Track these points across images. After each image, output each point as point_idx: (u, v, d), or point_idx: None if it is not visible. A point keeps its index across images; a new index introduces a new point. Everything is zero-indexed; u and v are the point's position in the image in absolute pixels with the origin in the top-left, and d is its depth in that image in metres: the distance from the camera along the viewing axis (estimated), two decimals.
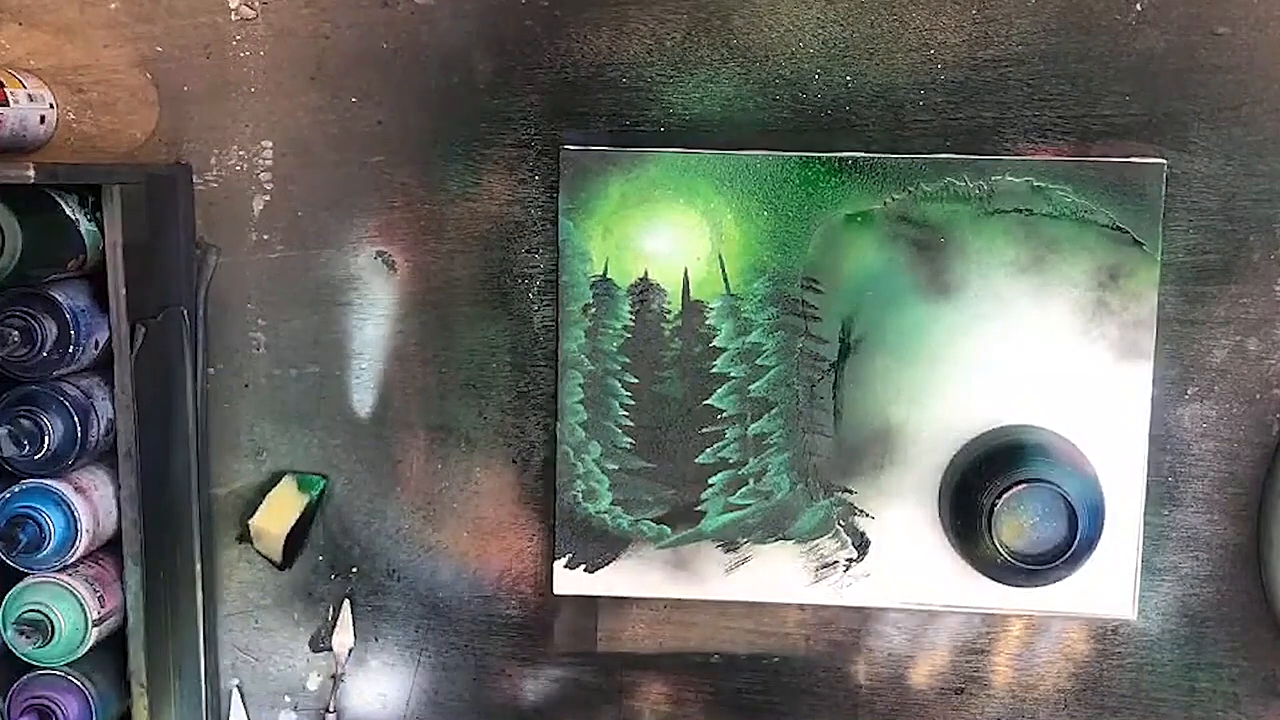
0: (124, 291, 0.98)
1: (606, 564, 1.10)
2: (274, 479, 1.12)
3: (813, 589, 1.09)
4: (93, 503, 1.01)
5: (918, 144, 1.06)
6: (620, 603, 1.12)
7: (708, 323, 1.08)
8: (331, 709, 1.12)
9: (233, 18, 1.08)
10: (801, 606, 1.11)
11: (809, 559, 1.09)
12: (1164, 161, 1.04)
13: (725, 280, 1.07)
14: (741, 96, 1.07)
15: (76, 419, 0.99)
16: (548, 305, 1.09)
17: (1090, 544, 1.00)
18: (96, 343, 1.00)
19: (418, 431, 1.12)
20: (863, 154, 1.05)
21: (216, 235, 1.10)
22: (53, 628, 0.99)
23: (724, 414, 1.08)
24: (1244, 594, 1.09)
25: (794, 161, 1.06)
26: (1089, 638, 1.11)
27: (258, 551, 1.13)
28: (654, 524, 1.09)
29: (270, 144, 1.09)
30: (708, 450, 1.08)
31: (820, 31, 1.06)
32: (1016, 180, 1.05)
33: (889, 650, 1.12)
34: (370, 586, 1.14)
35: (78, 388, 1.00)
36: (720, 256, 1.07)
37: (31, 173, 0.90)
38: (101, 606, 1.01)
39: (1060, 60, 1.05)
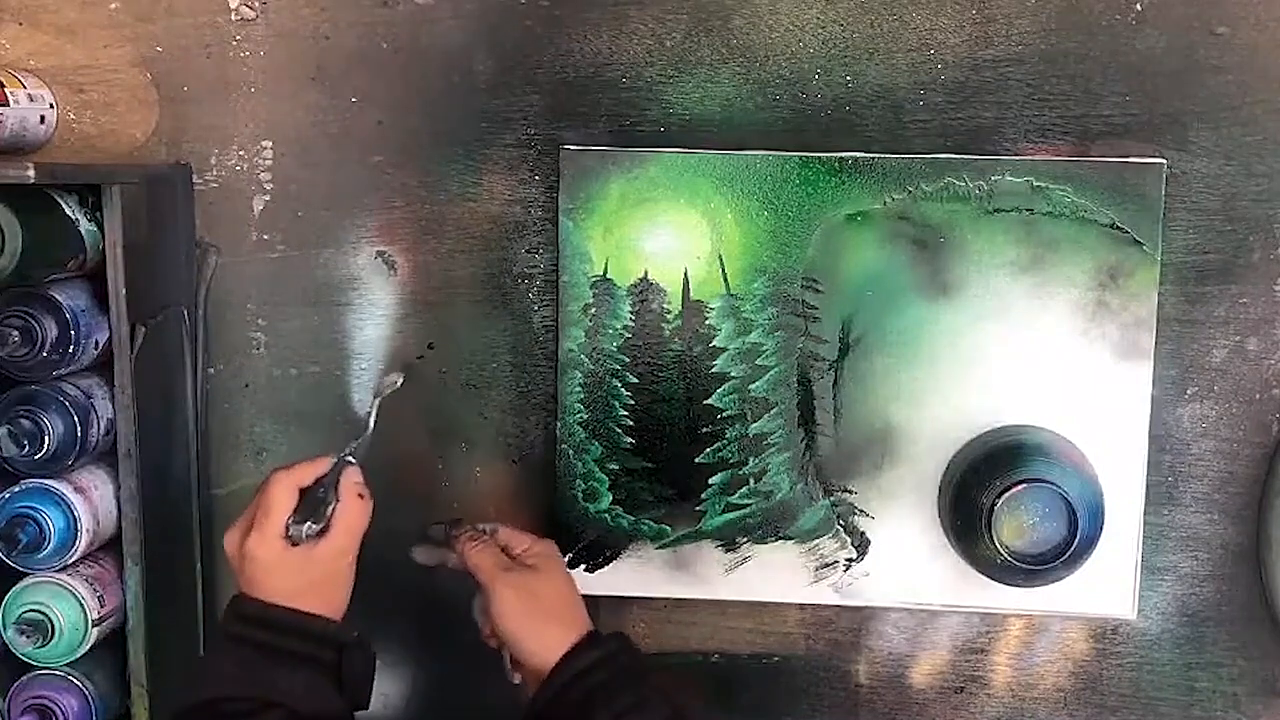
0: (124, 291, 0.98)
1: (606, 564, 1.10)
2: None
3: (813, 589, 1.09)
4: (93, 503, 1.01)
5: (918, 144, 1.06)
6: (620, 602, 1.12)
7: (708, 323, 1.08)
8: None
9: (233, 18, 1.08)
10: (801, 606, 1.11)
11: (809, 559, 1.09)
12: (1164, 161, 1.04)
13: (725, 280, 1.07)
14: (741, 96, 1.07)
15: (76, 419, 0.99)
16: (548, 305, 1.09)
17: (1090, 544, 1.00)
18: (96, 343, 1.00)
19: (418, 432, 1.12)
20: (863, 154, 1.05)
21: (216, 235, 1.10)
22: (53, 628, 0.99)
23: (724, 414, 1.08)
24: (1244, 594, 1.09)
25: (794, 161, 1.06)
26: (1089, 637, 1.11)
27: None
28: (654, 524, 1.09)
29: (270, 144, 1.09)
30: (708, 450, 1.08)
31: (820, 31, 1.06)
32: (1016, 180, 1.05)
33: (889, 650, 1.12)
34: (370, 586, 1.13)
35: (78, 388, 1.00)
36: (720, 256, 1.07)
37: (31, 173, 0.90)
38: (101, 606, 1.01)
39: (1060, 60, 1.05)
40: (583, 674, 0.91)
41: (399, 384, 1.05)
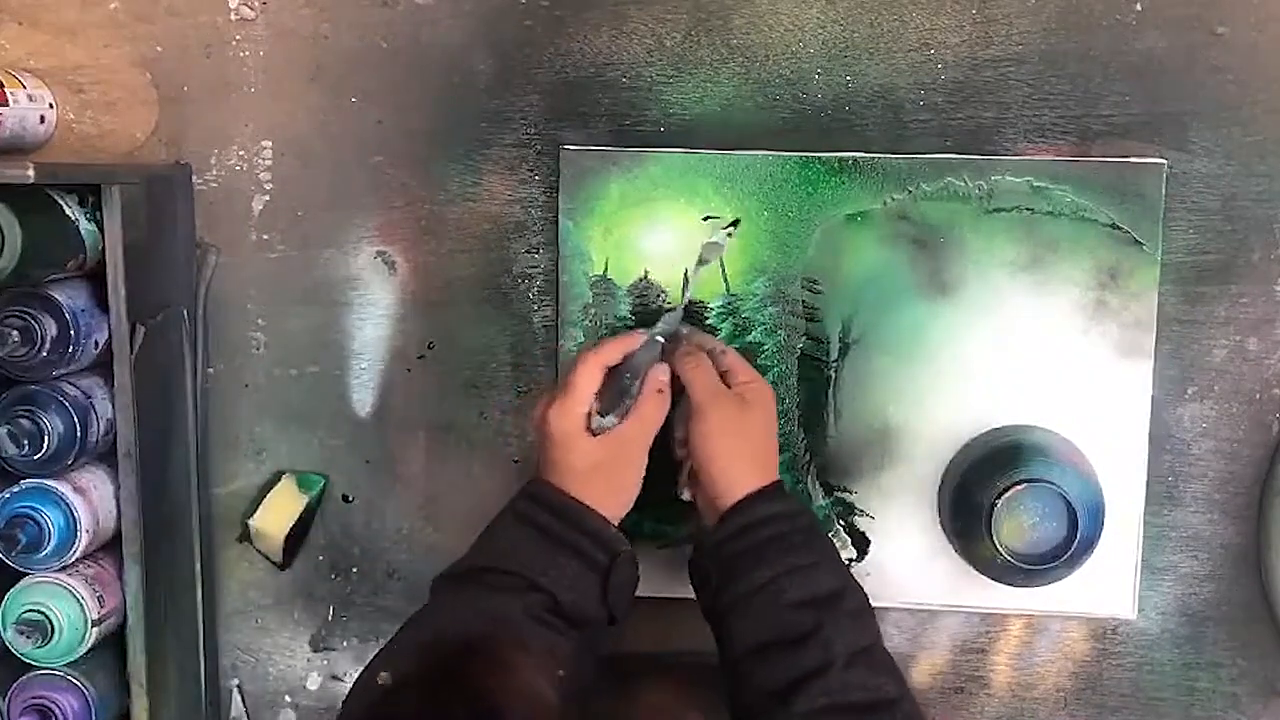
0: (124, 291, 0.98)
1: None
2: (274, 479, 1.12)
3: None
4: (93, 503, 1.01)
5: (918, 144, 1.06)
6: None
7: (708, 323, 1.07)
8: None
9: (233, 18, 1.08)
10: None
11: None
12: (1164, 161, 1.04)
13: (725, 280, 1.07)
14: (741, 96, 1.07)
15: (76, 419, 0.99)
16: (548, 305, 1.09)
17: (1090, 544, 1.00)
18: (96, 343, 1.00)
19: (418, 431, 1.12)
20: (863, 154, 1.05)
21: (216, 235, 1.10)
22: (53, 628, 0.99)
23: None
24: (1244, 594, 1.09)
25: (794, 161, 1.06)
26: (1089, 637, 1.11)
27: (258, 551, 1.13)
28: (654, 524, 1.09)
29: (270, 144, 1.09)
30: None
31: (820, 31, 1.06)
32: (1016, 180, 1.05)
33: (889, 650, 1.11)
34: (370, 586, 1.14)
35: (78, 388, 1.00)
36: (720, 256, 1.07)
37: (31, 173, 0.90)
38: (101, 606, 1.01)
39: (1060, 60, 1.05)
40: (766, 520, 0.92)
41: (725, 243, 1.04)
